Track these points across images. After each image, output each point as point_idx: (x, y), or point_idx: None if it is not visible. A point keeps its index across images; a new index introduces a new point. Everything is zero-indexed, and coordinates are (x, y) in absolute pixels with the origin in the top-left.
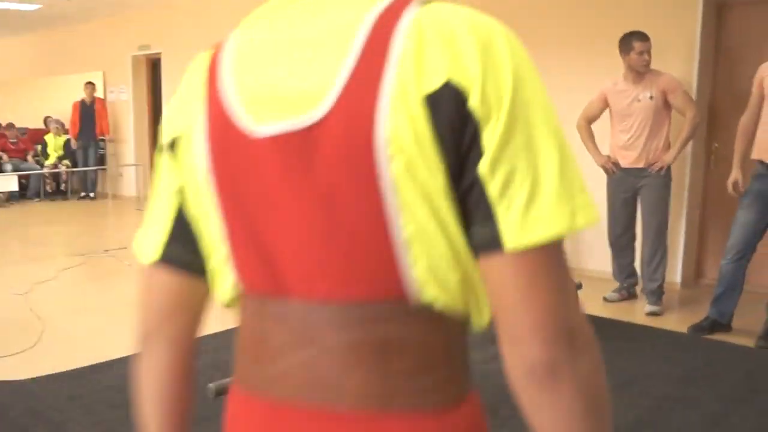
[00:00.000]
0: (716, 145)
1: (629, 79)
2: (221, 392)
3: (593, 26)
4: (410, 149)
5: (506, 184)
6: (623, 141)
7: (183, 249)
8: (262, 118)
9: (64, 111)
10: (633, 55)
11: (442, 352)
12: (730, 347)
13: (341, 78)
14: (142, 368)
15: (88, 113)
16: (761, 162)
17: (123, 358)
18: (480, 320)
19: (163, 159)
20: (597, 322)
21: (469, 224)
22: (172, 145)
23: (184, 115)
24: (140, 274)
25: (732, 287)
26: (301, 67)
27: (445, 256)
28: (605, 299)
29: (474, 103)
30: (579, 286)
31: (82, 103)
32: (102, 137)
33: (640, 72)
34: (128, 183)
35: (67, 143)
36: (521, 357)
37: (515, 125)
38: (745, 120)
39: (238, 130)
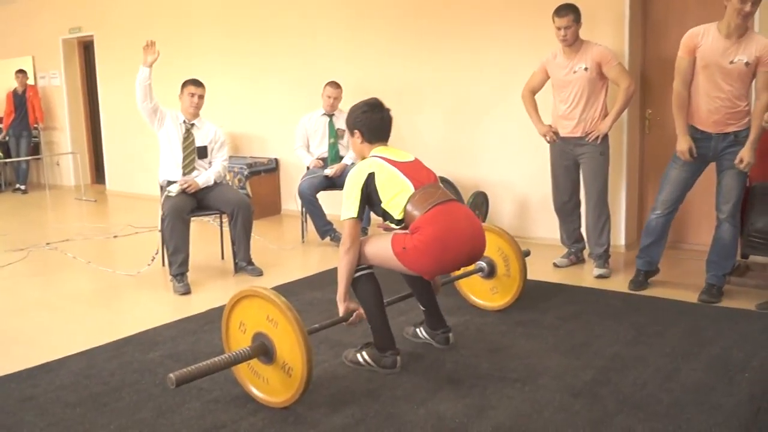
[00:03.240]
0: (649, 111)
1: (565, 52)
2: (181, 382)
3: (530, 1)
4: None
5: None
6: (562, 111)
7: (361, 211)
8: (401, 159)
9: None
10: (555, 30)
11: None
12: (675, 304)
13: (412, 158)
14: (353, 253)
15: (21, 102)
16: (695, 128)
17: (74, 355)
18: None
19: (361, 182)
20: (547, 287)
21: None
22: (371, 174)
23: (372, 168)
24: (351, 223)
25: (660, 238)
26: (405, 156)
27: None
28: (555, 265)
29: None
30: (527, 253)
31: (15, 92)
32: (35, 126)
33: (565, 46)
34: (65, 172)
35: None
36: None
37: None
38: (678, 87)
39: (399, 162)
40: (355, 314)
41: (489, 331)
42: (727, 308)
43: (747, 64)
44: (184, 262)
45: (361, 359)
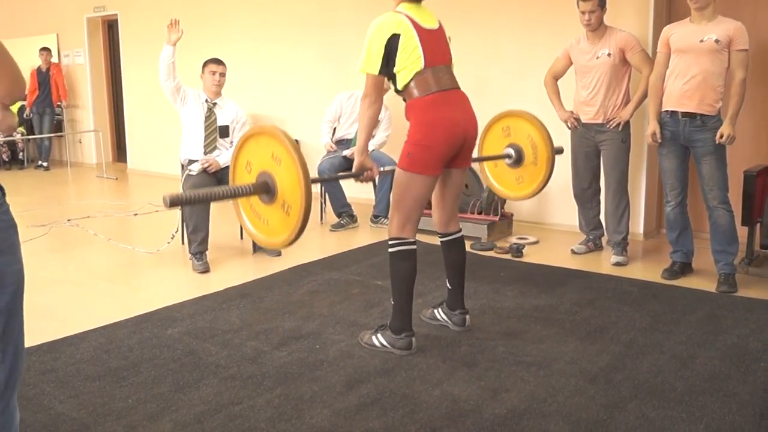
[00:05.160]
0: None
1: (588, 37)
2: (175, 203)
3: None
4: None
5: None
6: (583, 97)
7: (383, 69)
8: (427, 25)
9: None
10: (579, 15)
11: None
12: (692, 292)
13: (437, 24)
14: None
15: (45, 80)
16: (666, 111)
17: (95, 329)
18: None
19: (384, 40)
20: (565, 273)
21: None
22: (396, 35)
23: (399, 28)
24: (374, 78)
25: (684, 228)
26: (431, 21)
27: None
28: (573, 251)
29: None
30: (560, 151)
31: (38, 70)
32: (59, 103)
33: (589, 31)
34: (87, 150)
35: (21, 110)
36: None
37: None
38: (653, 78)
39: (423, 28)
40: (366, 173)
41: (505, 315)
42: (744, 298)
43: (717, 41)
44: (204, 241)
45: (376, 342)
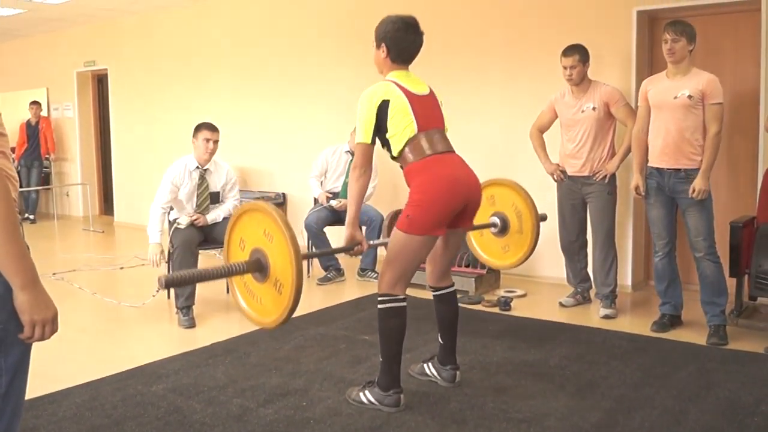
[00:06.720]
0: None
1: (573, 91)
2: (170, 284)
3: (535, 39)
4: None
5: None
6: (569, 150)
7: (373, 137)
8: (417, 91)
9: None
10: (561, 70)
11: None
12: (682, 346)
13: (427, 90)
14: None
15: (34, 133)
16: (650, 166)
17: (78, 386)
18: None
19: (374, 108)
20: (553, 326)
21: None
22: (385, 101)
23: (387, 95)
24: (363, 148)
25: (672, 279)
26: (421, 87)
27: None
28: (561, 304)
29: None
30: (544, 218)
31: (28, 123)
32: (47, 156)
33: (572, 85)
34: (74, 203)
35: None
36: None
37: None
38: (636, 132)
39: (414, 94)
40: (357, 247)
41: (494, 371)
42: (735, 351)
43: (690, 97)
44: (191, 295)
45: (364, 399)
